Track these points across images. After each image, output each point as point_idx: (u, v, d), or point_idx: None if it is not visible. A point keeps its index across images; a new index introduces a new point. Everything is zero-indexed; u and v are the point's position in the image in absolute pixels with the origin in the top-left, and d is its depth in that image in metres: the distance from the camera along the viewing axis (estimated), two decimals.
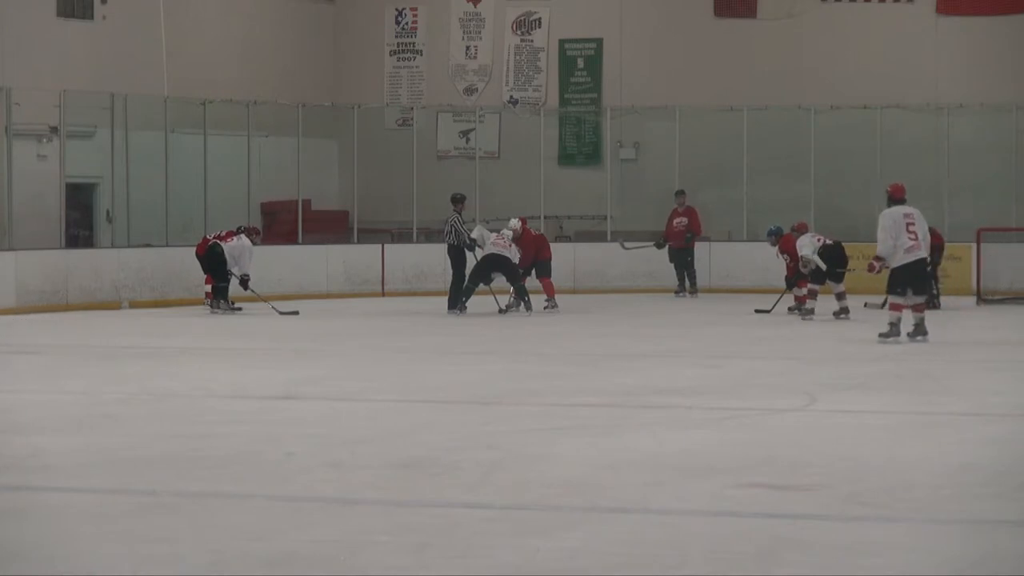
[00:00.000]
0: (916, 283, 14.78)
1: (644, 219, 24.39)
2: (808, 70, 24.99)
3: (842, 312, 17.58)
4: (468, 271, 18.85)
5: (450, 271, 19.05)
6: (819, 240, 17.91)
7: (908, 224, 14.62)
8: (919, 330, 14.76)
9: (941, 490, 7.15)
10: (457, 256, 18.93)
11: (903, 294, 14.72)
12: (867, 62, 24.86)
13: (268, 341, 15.88)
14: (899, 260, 14.65)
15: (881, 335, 14.73)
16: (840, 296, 17.70)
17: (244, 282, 19.16)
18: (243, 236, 19.32)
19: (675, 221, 22.39)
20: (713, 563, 5.73)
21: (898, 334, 14.66)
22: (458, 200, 19.24)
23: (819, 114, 23.89)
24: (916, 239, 14.63)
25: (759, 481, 7.28)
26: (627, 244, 22.45)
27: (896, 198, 14.85)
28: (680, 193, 22.67)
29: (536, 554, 5.86)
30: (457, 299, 18.70)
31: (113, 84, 21.94)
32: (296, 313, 18.80)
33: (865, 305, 17.77)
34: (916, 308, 14.80)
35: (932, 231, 19.68)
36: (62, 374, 12.68)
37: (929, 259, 15.27)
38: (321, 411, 10.23)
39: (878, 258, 14.82)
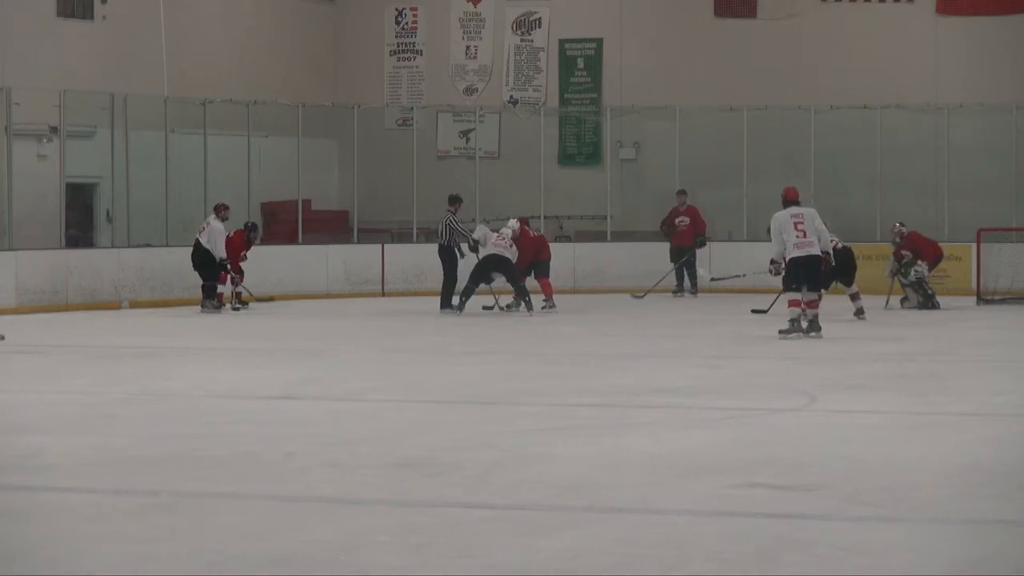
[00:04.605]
0: (810, 279, 15.17)
1: (644, 219, 24.40)
2: (808, 70, 25.00)
3: (859, 312, 17.60)
4: (458, 271, 18.93)
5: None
6: (833, 242, 17.91)
7: (796, 223, 15.15)
8: (812, 326, 15.13)
9: (941, 490, 7.15)
10: (448, 256, 19.00)
11: (799, 290, 15.14)
12: (867, 62, 24.86)
13: (268, 341, 15.89)
14: (789, 254, 15.18)
15: (781, 331, 15.17)
16: (854, 297, 17.73)
17: (223, 265, 19.26)
18: (212, 219, 19.39)
19: (677, 220, 22.39)
20: (713, 563, 5.72)
21: (800, 330, 15.07)
22: (454, 201, 19.29)
23: (819, 114, 23.89)
24: (804, 236, 15.11)
25: (759, 481, 7.28)
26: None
27: (788, 199, 15.45)
28: (682, 192, 22.68)
29: (536, 554, 5.86)
30: (449, 299, 18.78)
31: (113, 84, 21.94)
32: (272, 299, 18.97)
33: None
34: (810, 304, 15.15)
35: (931, 243, 19.82)
36: (62, 374, 12.68)
37: (831, 256, 15.59)
38: (321, 411, 10.23)
39: (772, 261, 15.48)
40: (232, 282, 19.64)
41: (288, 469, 7.79)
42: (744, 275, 20.54)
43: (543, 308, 19.01)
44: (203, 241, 19.27)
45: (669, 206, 22.77)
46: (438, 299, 19.18)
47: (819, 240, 15.20)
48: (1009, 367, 13.09)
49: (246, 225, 20.26)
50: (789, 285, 15.34)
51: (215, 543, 6.05)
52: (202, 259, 19.33)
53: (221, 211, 19.48)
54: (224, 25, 24.92)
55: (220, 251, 19.20)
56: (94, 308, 19.80)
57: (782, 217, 15.24)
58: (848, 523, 6.45)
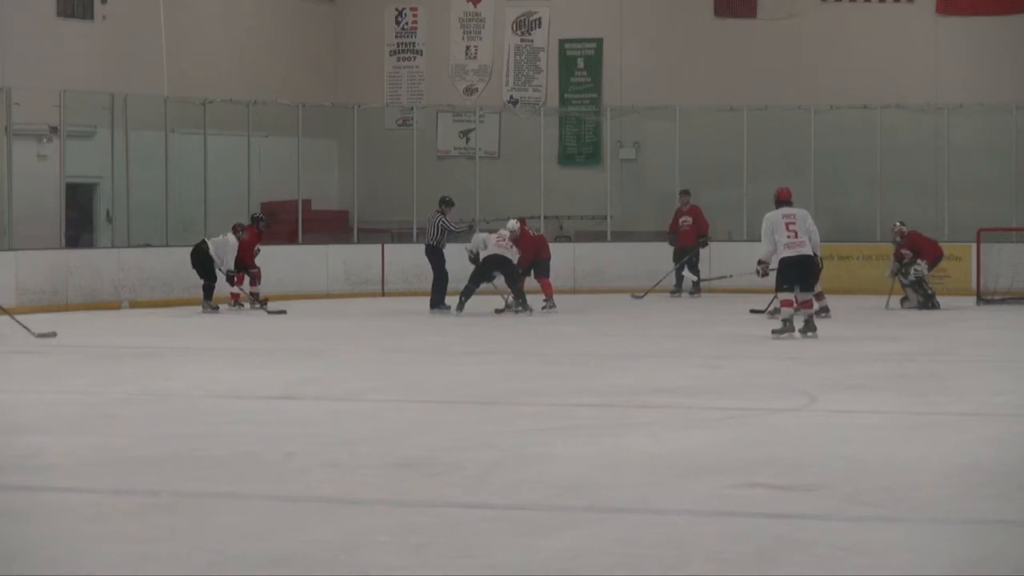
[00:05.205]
0: (801, 279, 15.19)
1: (644, 219, 24.40)
2: (808, 70, 25.00)
3: (822, 311, 17.61)
4: (447, 269, 18.91)
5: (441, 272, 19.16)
6: None
7: (788, 224, 15.17)
8: (808, 326, 15.15)
9: (941, 490, 7.14)
10: (435, 256, 19.01)
11: (791, 290, 15.17)
12: (867, 62, 24.86)
13: (268, 341, 15.89)
14: (781, 254, 15.19)
15: (774, 331, 15.21)
16: (819, 297, 17.77)
17: (229, 278, 19.38)
18: (229, 234, 19.51)
19: (680, 220, 22.39)
20: (713, 563, 5.72)
21: (792, 330, 15.10)
22: (446, 203, 19.27)
23: (819, 114, 23.89)
24: (796, 236, 15.12)
25: (759, 481, 7.28)
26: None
27: (781, 199, 15.47)
28: (685, 192, 22.67)
29: (536, 554, 5.86)
30: (440, 299, 18.79)
31: (113, 84, 21.94)
32: (284, 312, 18.95)
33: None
34: (804, 304, 15.21)
35: (931, 242, 19.83)
36: (62, 374, 12.68)
37: (817, 257, 15.65)
38: (321, 411, 10.23)
39: (760, 261, 15.49)
40: (250, 281, 19.72)
41: (288, 469, 7.79)
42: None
43: (543, 308, 19.01)
44: (211, 249, 19.34)
45: (672, 206, 22.77)
46: None
47: (810, 240, 15.20)
48: (1009, 367, 13.09)
49: (253, 218, 20.36)
50: (781, 285, 15.35)
51: (215, 543, 6.05)
52: (201, 260, 19.43)
53: (238, 230, 19.59)
54: (224, 25, 24.92)
55: (228, 264, 19.30)
56: (94, 308, 19.81)
57: (774, 217, 15.26)
58: (848, 523, 6.45)
